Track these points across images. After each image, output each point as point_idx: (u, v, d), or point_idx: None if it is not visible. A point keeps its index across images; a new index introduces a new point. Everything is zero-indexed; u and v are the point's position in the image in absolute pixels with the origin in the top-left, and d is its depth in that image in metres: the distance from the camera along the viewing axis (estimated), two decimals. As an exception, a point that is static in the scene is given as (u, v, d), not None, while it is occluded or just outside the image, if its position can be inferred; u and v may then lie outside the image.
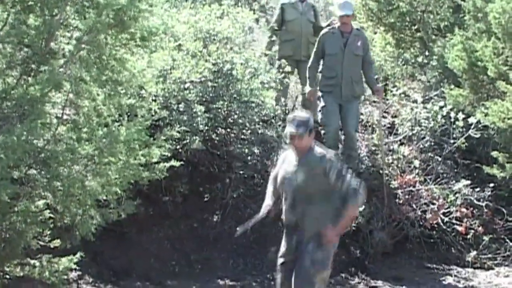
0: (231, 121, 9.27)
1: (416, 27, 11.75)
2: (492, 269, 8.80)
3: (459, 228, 9.06)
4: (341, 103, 9.51)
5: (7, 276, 6.28)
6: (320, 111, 9.73)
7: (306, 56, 10.21)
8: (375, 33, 12.13)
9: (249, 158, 9.32)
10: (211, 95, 9.08)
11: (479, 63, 9.23)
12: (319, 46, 9.64)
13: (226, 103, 9.05)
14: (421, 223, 9.02)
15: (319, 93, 9.73)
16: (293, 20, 10.37)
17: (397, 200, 9.24)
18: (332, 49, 9.53)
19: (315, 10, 10.66)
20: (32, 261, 6.35)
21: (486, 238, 9.07)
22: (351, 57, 9.50)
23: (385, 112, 11.02)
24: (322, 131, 9.60)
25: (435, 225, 9.04)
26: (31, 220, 5.99)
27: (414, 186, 9.38)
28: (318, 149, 5.97)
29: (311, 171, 5.85)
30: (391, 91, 10.91)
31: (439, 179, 9.54)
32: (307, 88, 9.82)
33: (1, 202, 5.43)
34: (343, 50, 9.48)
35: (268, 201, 6.33)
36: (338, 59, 9.50)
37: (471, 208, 9.24)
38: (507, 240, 9.23)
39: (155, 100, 8.00)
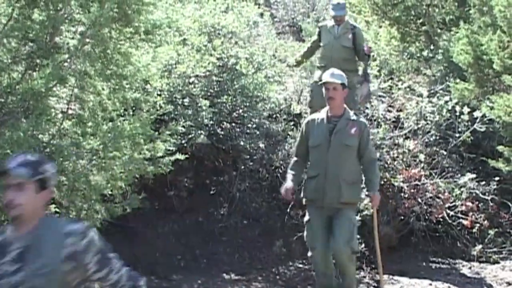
0: (236, 115, 9.29)
1: (421, 21, 11.73)
2: (498, 263, 8.79)
3: (465, 222, 9.05)
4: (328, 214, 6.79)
5: (13, 272, 6.27)
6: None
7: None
8: (380, 27, 12.12)
9: (254, 152, 9.34)
10: (216, 89, 9.10)
11: (484, 56, 9.20)
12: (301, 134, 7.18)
13: (231, 97, 9.06)
14: (426, 217, 9.00)
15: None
16: (325, 46, 9.72)
17: (402, 194, 9.23)
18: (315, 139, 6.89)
19: (356, 32, 9.61)
20: (37, 256, 6.34)
21: (491, 232, 9.06)
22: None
23: (390, 106, 11.02)
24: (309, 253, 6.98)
25: (441, 219, 9.03)
26: (36, 215, 5.99)
27: (419, 180, 9.36)
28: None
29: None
30: (397, 85, 10.90)
31: (444, 173, 9.53)
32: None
33: (7, 197, 5.44)
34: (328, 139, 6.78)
35: None
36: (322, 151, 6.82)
37: (477, 202, 9.23)
38: (513, 234, 9.24)
39: (160, 95, 8.00)
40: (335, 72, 6.79)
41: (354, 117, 6.75)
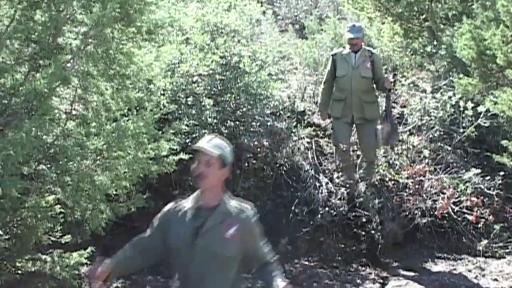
0: (240, 113, 9.29)
1: (424, 16, 11.72)
2: (504, 257, 8.78)
3: (470, 217, 9.04)
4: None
5: (19, 272, 6.30)
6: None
7: (360, 119, 9.28)
8: (383, 23, 12.12)
9: (258, 150, 9.35)
10: (219, 88, 9.10)
11: (488, 51, 9.18)
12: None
13: (234, 95, 9.06)
14: (431, 212, 8.99)
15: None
16: (343, 77, 9.19)
17: (407, 190, 9.22)
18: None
19: (374, 60, 9.23)
20: (43, 256, 6.36)
21: (497, 226, 9.05)
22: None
23: (394, 102, 11.01)
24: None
25: (446, 215, 9.02)
26: (41, 216, 6.01)
27: (424, 176, 9.35)
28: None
29: None
30: (400, 81, 10.89)
31: (449, 169, 9.51)
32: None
33: (12, 198, 5.45)
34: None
35: None
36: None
37: (482, 197, 9.21)
38: (518, 229, 9.22)
39: (163, 94, 8.01)
40: (215, 142, 4.46)
41: (235, 209, 4.54)
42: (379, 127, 9.24)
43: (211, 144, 4.44)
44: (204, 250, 4.42)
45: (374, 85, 9.30)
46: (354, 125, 9.44)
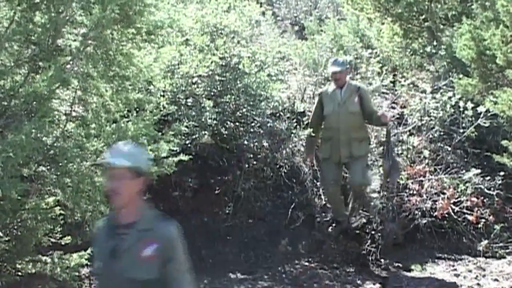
0: (240, 114, 9.28)
1: (423, 17, 11.71)
2: (504, 258, 8.78)
3: (470, 218, 9.04)
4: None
5: (19, 273, 6.30)
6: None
7: (347, 157, 8.71)
8: (383, 23, 12.11)
9: (258, 151, 9.35)
10: (219, 89, 9.10)
11: (487, 51, 9.18)
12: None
13: (234, 96, 9.06)
14: (431, 213, 9.00)
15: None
16: (330, 114, 8.77)
17: (407, 191, 9.23)
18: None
19: (362, 93, 8.75)
20: (43, 258, 6.36)
21: (497, 227, 9.04)
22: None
23: (394, 102, 11.02)
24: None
25: (446, 215, 9.02)
26: (41, 217, 6.01)
27: (424, 176, 9.36)
28: None
29: None
30: (400, 82, 10.89)
31: (449, 169, 9.52)
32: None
33: (12, 200, 5.45)
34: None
35: None
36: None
37: (482, 197, 9.21)
38: (519, 229, 9.22)
39: (163, 95, 8.01)
40: (123, 151, 4.02)
41: (155, 225, 4.09)
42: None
43: (119, 154, 3.96)
44: (119, 275, 3.92)
45: (366, 121, 8.84)
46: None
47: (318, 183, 9.52)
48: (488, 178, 9.42)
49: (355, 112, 8.67)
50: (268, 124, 9.45)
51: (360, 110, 8.66)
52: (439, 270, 8.48)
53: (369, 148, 9.10)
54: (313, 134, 8.96)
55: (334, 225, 9.07)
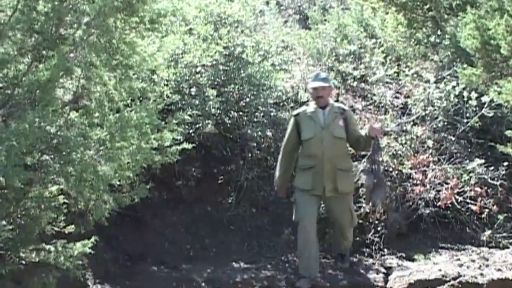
0: (243, 104, 9.30)
1: (428, 6, 11.66)
2: (508, 248, 8.76)
3: (474, 208, 9.02)
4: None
5: (23, 262, 6.31)
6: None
7: (332, 191, 7.64)
8: (387, 13, 12.06)
9: (262, 140, 9.35)
10: (222, 78, 9.11)
11: (492, 41, 9.14)
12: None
13: (237, 86, 9.07)
14: (435, 203, 8.98)
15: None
16: (310, 139, 7.56)
17: (410, 181, 9.21)
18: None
19: (347, 117, 7.71)
20: (47, 247, 6.37)
21: (501, 217, 9.02)
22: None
23: (397, 92, 10.99)
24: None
25: (450, 205, 9.00)
26: (45, 206, 6.03)
27: (427, 166, 9.34)
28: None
29: None
30: (404, 72, 10.86)
31: (452, 159, 9.50)
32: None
33: (15, 188, 5.47)
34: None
35: None
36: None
37: (486, 187, 9.18)
38: (522, 219, 9.21)
39: (166, 85, 8.02)
40: None
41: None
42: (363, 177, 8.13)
43: None
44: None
45: (352, 148, 7.96)
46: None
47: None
48: (492, 168, 9.39)
49: (341, 137, 7.58)
50: (272, 114, 9.46)
51: (345, 135, 7.60)
52: (443, 260, 8.47)
53: (353, 184, 8.02)
54: (286, 166, 7.88)
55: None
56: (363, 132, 7.63)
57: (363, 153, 8.68)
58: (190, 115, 7.79)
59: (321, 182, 7.55)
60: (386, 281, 8.00)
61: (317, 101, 7.61)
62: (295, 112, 7.82)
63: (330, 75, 8.26)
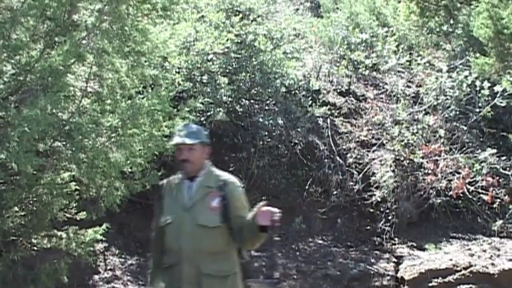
0: (255, 92, 9.28)
1: (440, -5, 11.63)
2: (519, 238, 8.77)
3: (485, 197, 9.01)
4: None
5: (35, 248, 6.34)
6: None
7: None
8: (399, 1, 12.03)
9: (273, 128, 9.33)
10: (234, 66, 9.09)
11: (505, 30, 9.10)
12: None
13: (249, 74, 9.05)
14: (446, 192, 8.97)
15: None
16: (167, 225, 4.67)
17: (422, 170, 9.19)
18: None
19: (228, 194, 4.65)
20: (59, 233, 6.39)
21: (512, 207, 9.03)
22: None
23: (409, 81, 10.96)
24: None
25: (461, 195, 8.99)
26: (57, 192, 6.03)
27: (439, 156, 9.32)
28: None
29: None
30: (416, 61, 10.83)
31: (464, 148, 9.48)
32: None
33: (27, 175, 5.47)
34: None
35: None
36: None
37: (497, 177, 9.16)
38: (534, 209, 9.18)
39: (178, 72, 8.02)
40: None
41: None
42: None
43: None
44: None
45: (235, 242, 4.72)
46: None
47: (332, 162, 9.47)
48: (503, 158, 9.37)
49: (210, 226, 4.56)
50: (283, 102, 9.44)
51: (217, 223, 4.58)
52: (453, 249, 8.47)
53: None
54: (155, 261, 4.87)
55: None
56: (251, 217, 4.55)
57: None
58: (201, 103, 7.78)
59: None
60: (396, 270, 8.01)
61: (182, 167, 4.77)
62: (162, 182, 5.03)
63: (204, 128, 4.96)
